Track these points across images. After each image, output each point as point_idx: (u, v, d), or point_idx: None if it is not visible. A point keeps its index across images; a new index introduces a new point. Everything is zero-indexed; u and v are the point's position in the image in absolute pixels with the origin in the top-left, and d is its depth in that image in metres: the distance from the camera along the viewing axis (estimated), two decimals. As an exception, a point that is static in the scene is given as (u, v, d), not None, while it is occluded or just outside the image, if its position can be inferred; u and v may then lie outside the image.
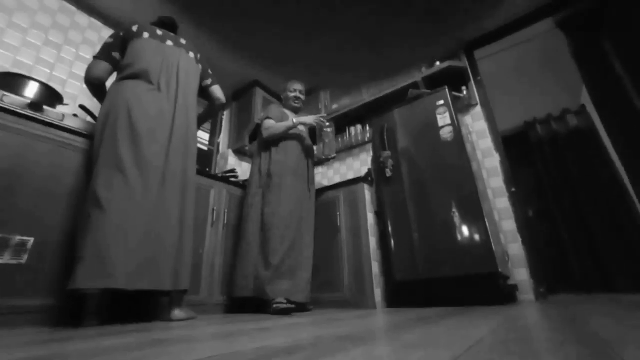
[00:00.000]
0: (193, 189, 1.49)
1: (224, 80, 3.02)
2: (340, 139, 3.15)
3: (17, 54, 1.85)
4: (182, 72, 1.56)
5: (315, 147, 2.23)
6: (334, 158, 2.17)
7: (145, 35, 1.57)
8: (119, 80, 1.47)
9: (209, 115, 1.81)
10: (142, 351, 0.55)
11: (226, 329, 0.92)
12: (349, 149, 3.14)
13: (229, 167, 2.88)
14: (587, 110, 3.76)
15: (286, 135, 2.04)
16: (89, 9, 2.27)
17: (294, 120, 2.00)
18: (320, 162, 2.53)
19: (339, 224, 2.15)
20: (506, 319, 0.88)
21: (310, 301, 1.87)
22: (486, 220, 1.69)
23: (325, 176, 3.27)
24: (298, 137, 2.09)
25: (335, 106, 3.12)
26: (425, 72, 2.60)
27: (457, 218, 1.76)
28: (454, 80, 2.59)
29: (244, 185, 2.22)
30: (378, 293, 1.92)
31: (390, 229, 2.01)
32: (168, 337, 0.75)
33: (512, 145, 3.86)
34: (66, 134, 1.37)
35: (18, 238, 1.15)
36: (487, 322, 0.83)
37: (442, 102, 2.05)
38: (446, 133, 1.94)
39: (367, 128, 3.00)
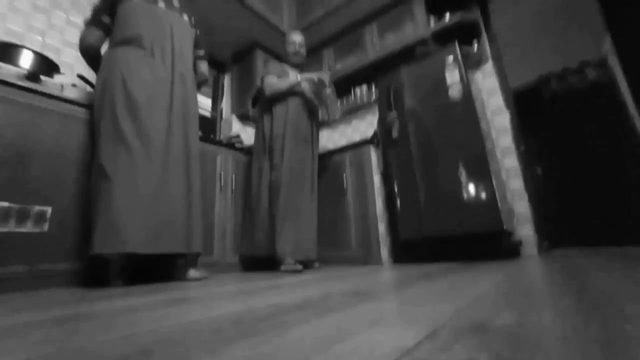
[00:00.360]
0: (197, 154, 1.50)
1: (221, 42, 2.89)
2: (345, 100, 3.07)
3: (5, 20, 1.78)
4: (176, 36, 1.50)
5: (320, 110, 2.14)
6: (335, 120, 2.09)
7: None
8: (111, 47, 1.42)
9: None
10: (166, 309, 0.60)
11: (240, 287, 0.98)
12: (355, 111, 3.06)
13: (233, 133, 2.86)
14: (608, 63, 3.54)
15: (288, 93, 1.99)
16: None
17: (298, 77, 1.95)
18: (323, 124, 2.47)
19: (345, 186, 2.18)
20: (508, 274, 0.92)
21: (317, 257, 1.96)
22: (493, 179, 1.68)
23: (331, 139, 3.23)
24: (301, 95, 2.03)
25: (339, 66, 2.99)
26: (435, 26, 2.44)
27: (463, 177, 1.75)
28: (465, 34, 2.42)
29: (249, 150, 2.22)
30: (384, 251, 1.99)
31: (396, 189, 2.02)
32: (187, 296, 0.80)
33: (523, 102, 3.71)
34: (68, 105, 1.36)
35: (37, 208, 1.19)
36: (489, 277, 0.87)
37: (451, 58, 1.94)
38: (455, 91, 1.87)
39: (373, 88, 2.89)
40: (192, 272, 1.36)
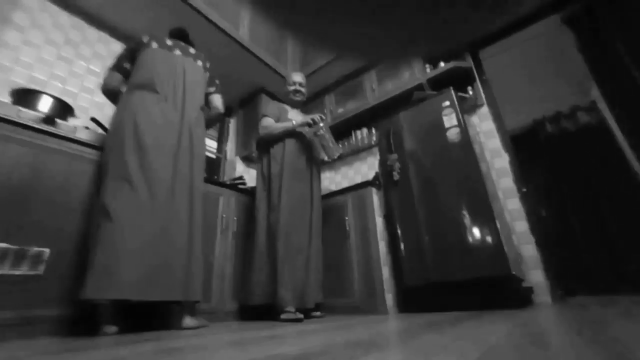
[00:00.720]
0: (200, 196, 1.50)
1: (230, 88, 3.06)
2: (346, 143, 3.15)
3: (31, 70, 1.91)
4: (189, 80, 1.58)
5: (319, 150, 2.15)
6: (334, 159, 2.05)
7: (154, 45, 1.61)
8: (127, 90, 1.51)
9: (207, 122, 1.83)
10: (156, 361, 0.56)
11: (238, 336, 0.93)
12: (356, 153, 3.14)
13: (237, 175, 2.91)
14: (597, 107, 3.69)
15: (284, 135, 2.02)
16: (99, 23, 2.34)
17: (294, 123, 1.98)
18: (324, 163, 2.47)
19: (347, 229, 2.15)
20: (519, 324, 0.87)
21: (323, 302, 1.87)
22: (497, 221, 1.66)
23: (333, 181, 3.27)
24: (297, 135, 2.04)
25: (340, 110, 3.13)
26: (430, 73, 2.59)
27: (467, 220, 1.73)
28: (460, 80, 2.57)
29: (252, 192, 2.23)
30: (389, 298, 1.90)
31: (399, 232, 1.99)
32: (182, 346, 0.75)
33: (521, 145, 3.80)
34: (78, 146, 1.40)
35: (35, 249, 1.18)
36: (499, 327, 0.82)
37: (447, 103, 2.04)
38: (453, 134, 1.93)
39: (374, 131, 2.99)
40: (188, 320, 1.29)
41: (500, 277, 1.55)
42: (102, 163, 1.37)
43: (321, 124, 1.96)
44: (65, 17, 2.17)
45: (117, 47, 2.39)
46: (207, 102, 1.77)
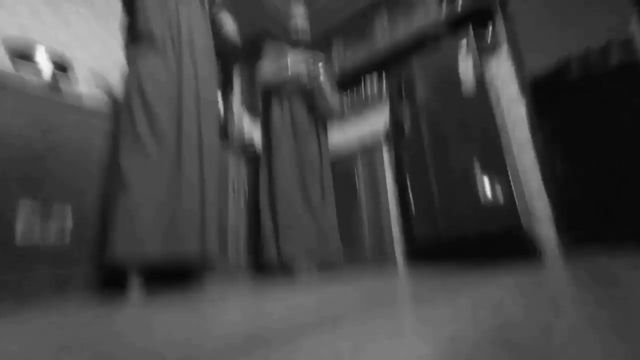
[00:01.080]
0: (214, 152, 1.45)
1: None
2: (356, 91, 3.00)
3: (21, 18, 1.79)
4: (184, 25, 1.46)
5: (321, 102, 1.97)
6: (336, 116, 1.89)
7: None
8: (130, 43, 1.47)
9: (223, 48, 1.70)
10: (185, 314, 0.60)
11: (257, 294, 0.99)
12: (366, 101, 3.01)
13: (246, 134, 2.83)
14: (635, 41, 3.32)
15: (283, 84, 1.88)
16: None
17: (289, 61, 1.81)
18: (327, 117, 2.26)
19: (357, 186, 2.15)
20: (530, 282, 0.89)
21: (337, 257, 1.86)
22: (509, 173, 1.63)
23: (341, 130, 3.19)
24: (292, 85, 1.89)
25: (349, 54, 2.91)
26: (447, 9, 2.33)
27: (478, 173, 1.70)
28: (480, 16, 2.31)
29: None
30: (399, 251, 1.97)
31: (409, 187, 1.99)
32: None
33: (541, 89, 3.55)
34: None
35: (59, 206, 1.23)
36: (511, 291, 0.85)
37: (464, 44, 1.86)
38: (468, 80, 1.80)
39: (384, 77, 2.82)
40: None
41: (510, 230, 1.57)
42: (115, 119, 1.36)
43: (320, 69, 1.77)
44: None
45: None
46: (215, 23, 1.63)
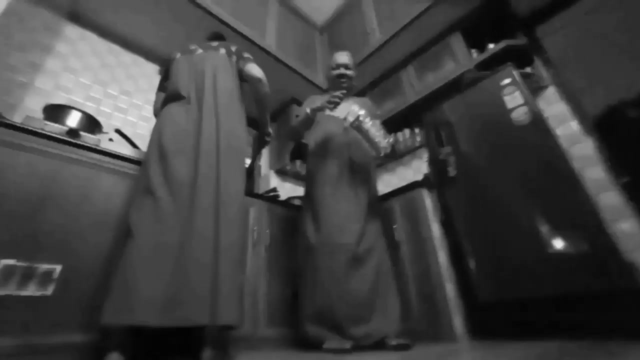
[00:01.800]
0: (234, 204, 1.22)
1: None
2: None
3: (70, 93, 1.95)
4: (209, 71, 1.41)
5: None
6: (386, 153, 1.55)
7: (178, 55, 1.54)
8: (159, 107, 1.47)
9: (258, 106, 1.59)
10: None
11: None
12: (399, 158, 2.84)
13: (270, 187, 2.75)
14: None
15: (319, 136, 1.68)
16: (133, 47, 2.40)
17: (307, 110, 1.60)
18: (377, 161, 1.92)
19: (397, 239, 1.83)
20: None
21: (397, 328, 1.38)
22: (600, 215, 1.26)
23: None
24: (326, 129, 1.69)
25: (378, 112, 2.88)
26: (477, 57, 2.27)
27: (553, 216, 1.34)
28: (515, 61, 2.21)
29: (285, 203, 2.03)
30: (458, 321, 1.52)
31: (463, 239, 1.63)
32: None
33: (602, 128, 3.21)
34: (98, 156, 1.31)
35: (45, 267, 1.05)
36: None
37: (508, 80, 1.70)
38: (520, 114, 1.58)
39: (416, 131, 2.69)
40: (209, 354, 1.04)
41: (630, 290, 1.13)
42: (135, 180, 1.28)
43: (358, 112, 1.48)
44: (103, 45, 2.24)
45: (149, 68, 2.43)
46: (242, 79, 1.54)
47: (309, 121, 1.63)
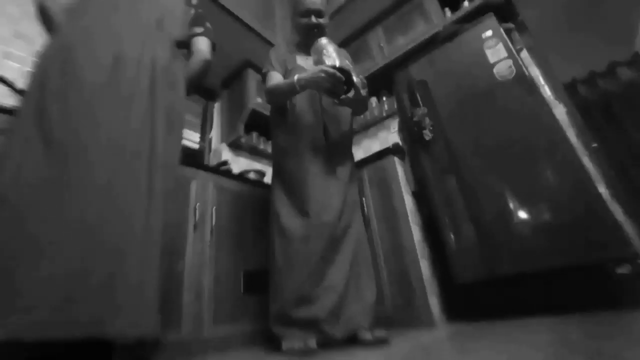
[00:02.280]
0: (168, 170, 0.91)
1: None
2: (352, 118, 2.64)
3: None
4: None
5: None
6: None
7: None
8: None
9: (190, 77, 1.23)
10: None
11: None
12: (365, 129, 2.62)
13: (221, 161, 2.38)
14: (644, 58, 3.15)
15: (294, 99, 1.34)
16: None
17: (296, 78, 1.22)
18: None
19: (366, 212, 1.61)
20: None
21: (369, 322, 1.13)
22: (593, 182, 1.12)
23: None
24: (311, 98, 1.37)
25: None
26: (451, 17, 2.07)
27: (546, 181, 1.19)
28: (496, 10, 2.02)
29: (242, 176, 1.72)
30: (434, 303, 1.36)
31: (439, 212, 1.45)
32: None
33: (571, 96, 3.27)
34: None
35: None
36: None
37: (490, 33, 1.51)
38: (504, 69, 1.40)
39: (384, 99, 2.47)
40: None
41: (618, 261, 1.00)
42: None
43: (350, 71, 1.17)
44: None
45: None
46: (189, 48, 1.17)
47: (294, 93, 1.28)
